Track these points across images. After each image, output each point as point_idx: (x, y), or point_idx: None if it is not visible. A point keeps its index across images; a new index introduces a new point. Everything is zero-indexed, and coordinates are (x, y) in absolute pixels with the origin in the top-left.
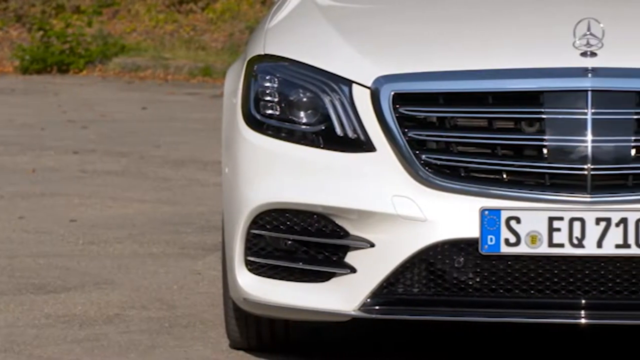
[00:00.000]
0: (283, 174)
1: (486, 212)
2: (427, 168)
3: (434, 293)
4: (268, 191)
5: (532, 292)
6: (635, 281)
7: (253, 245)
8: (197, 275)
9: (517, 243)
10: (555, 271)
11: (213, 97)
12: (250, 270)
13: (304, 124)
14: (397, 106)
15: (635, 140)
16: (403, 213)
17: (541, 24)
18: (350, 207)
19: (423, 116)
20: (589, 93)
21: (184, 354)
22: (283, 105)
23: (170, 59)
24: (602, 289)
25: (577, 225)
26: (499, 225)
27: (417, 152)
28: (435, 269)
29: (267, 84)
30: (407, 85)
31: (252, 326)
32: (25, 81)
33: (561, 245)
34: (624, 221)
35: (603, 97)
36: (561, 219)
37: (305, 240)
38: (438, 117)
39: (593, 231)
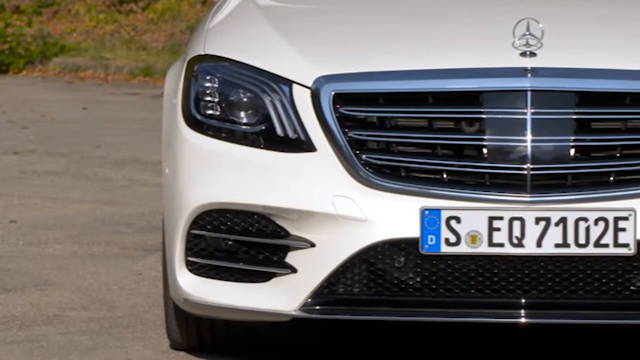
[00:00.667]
0: (223, 174)
1: (426, 212)
2: (367, 168)
3: (375, 293)
4: (208, 191)
5: (472, 291)
6: (575, 280)
7: (193, 246)
8: (137, 276)
9: (458, 243)
10: (495, 271)
11: (154, 98)
12: (190, 270)
13: (244, 124)
14: (338, 106)
15: (574, 140)
16: (343, 213)
17: (481, 24)
18: (290, 207)
19: (363, 116)
20: (529, 93)
21: (124, 355)
22: (223, 105)
23: (111, 59)
24: (541, 288)
25: (516, 224)
26: (439, 225)
27: (358, 152)
28: (375, 268)
29: (208, 84)
30: (348, 86)
31: (192, 327)
32: None
33: (501, 245)
34: (563, 221)
35: (542, 97)
36: (501, 218)
37: (246, 240)
38: (378, 117)
39: (533, 231)
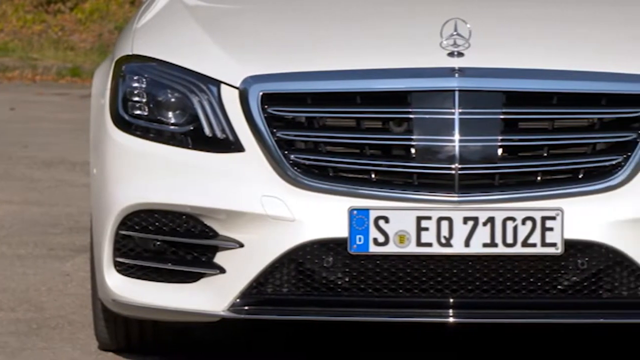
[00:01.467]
0: (151, 174)
1: (355, 212)
2: (295, 168)
3: (303, 293)
4: (136, 192)
5: (400, 291)
6: (502, 280)
7: (122, 247)
8: (65, 277)
9: (386, 242)
10: (424, 270)
11: (82, 98)
12: (118, 271)
13: (172, 124)
14: (266, 106)
15: (502, 140)
16: (272, 213)
17: (409, 24)
18: (218, 208)
19: (291, 116)
20: (456, 93)
21: (52, 356)
22: (151, 105)
23: (39, 60)
24: (469, 287)
25: (444, 224)
26: (368, 224)
27: (286, 152)
28: (304, 268)
29: (135, 85)
30: (276, 86)
31: (120, 327)
32: None
33: (429, 245)
34: (491, 220)
35: (470, 97)
36: (429, 218)
37: (174, 240)
38: (306, 117)
39: (461, 230)
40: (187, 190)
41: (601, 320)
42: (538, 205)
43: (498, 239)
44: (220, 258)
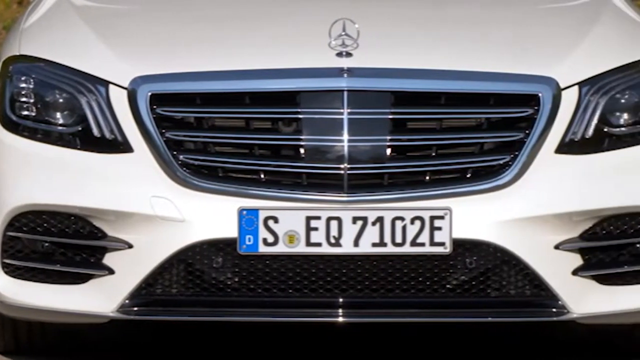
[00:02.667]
0: (39, 175)
1: (244, 212)
2: (185, 168)
3: (193, 293)
4: (24, 193)
5: (290, 291)
6: (392, 279)
7: (9, 248)
8: None
9: (275, 243)
10: (313, 270)
11: None
12: (6, 272)
13: (60, 125)
14: (155, 107)
15: (391, 140)
16: (161, 214)
17: (298, 24)
18: (107, 208)
19: (180, 117)
20: (345, 93)
21: None
22: (39, 106)
23: None
24: (359, 287)
25: (334, 224)
26: (257, 225)
27: (175, 152)
28: (193, 269)
29: (23, 85)
30: (164, 86)
31: (8, 329)
32: None
33: (318, 245)
34: (380, 220)
35: (359, 97)
36: (318, 218)
37: (63, 242)
38: (195, 118)
39: (350, 230)
40: (76, 191)
41: (489, 319)
42: (426, 205)
43: (387, 238)
44: (109, 259)
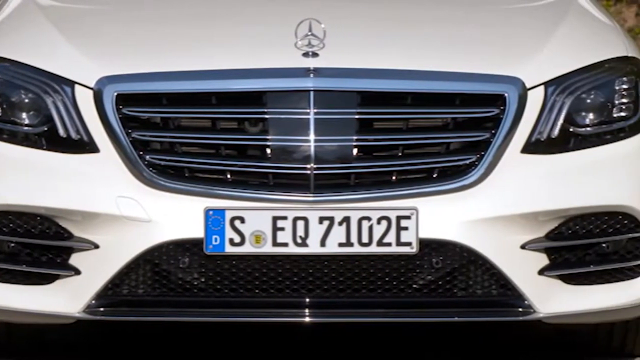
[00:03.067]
0: (5, 176)
1: (210, 212)
2: (151, 169)
3: (159, 294)
4: None
5: (257, 291)
6: (358, 279)
7: None
8: None
9: (242, 243)
10: (280, 270)
11: None
12: None
13: (26, 125)
14: (121, 107)
15: (357, 140)
16: (127, 214)
17: (264, 24)
18: (73, 209)
19: (146, 117)
20: (311, 93)
21: None
22: (5, 106)
23: None
24: (325, 287)
25: (300, 224)
26: (224, 225)
27: (141, 152)
28: (160, 269)
29: None
30: (130, 86)
31: None
32: None
33: (285, 245)
34: (346, 220)
35: (325, 97)
36: (285, 218)
37: (29, 242)
38: (162, 118)
39: (316, 230)
40: (42, 191)
41: (456, 319)
42: (393, 205)
43: (354, 238)
44: (75, 259)
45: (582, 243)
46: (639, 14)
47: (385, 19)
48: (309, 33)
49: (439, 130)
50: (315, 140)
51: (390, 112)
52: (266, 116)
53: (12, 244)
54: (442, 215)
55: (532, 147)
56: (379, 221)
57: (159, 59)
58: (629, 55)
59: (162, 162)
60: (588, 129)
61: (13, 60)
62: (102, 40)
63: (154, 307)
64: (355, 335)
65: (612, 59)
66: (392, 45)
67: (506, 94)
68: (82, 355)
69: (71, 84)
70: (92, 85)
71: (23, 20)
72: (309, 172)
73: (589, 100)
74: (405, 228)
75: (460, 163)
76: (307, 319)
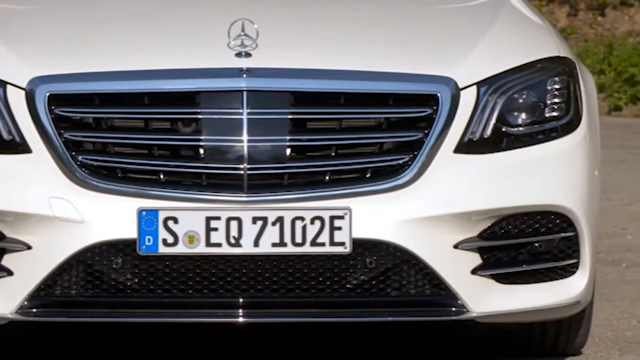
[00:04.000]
0: None
1: (144, 213)
2: (83, 169)
3: (92, 295)
4: None
5: (190, 291)
6: (292, 279)
7: None
8: None
9: (175, 243)
10: (213, 271)
11: None
12: None
13: None
14: (53, 107)
15: (290, 140)
16: (60, 215)
17: (197, 24)
18: (6, 209)
19: (79, 117)
20: (244, 93)
21: None
22: None
23: None
24: (259, 287)
25: (234, 224)
26: (157, 225)
27: (74, 153)
28: (93, 270)
29: None
30: (63, 86)
31: None
32: None
33: (219, 245)
34: (280, 220)
35: (258, 97)
36: (218, 218)
37: None
38: (94, 118)
39: (250, 230)
40: None
41: (389, 319)
42: (326, 205)
43: (287, 238)
44: (7, 260)
45: (515, 242)
46: (571, 15)
47: (319, 19)
48: (242, 33)
49: (372, 130)
50: (249, 141)
51: (323, 112)
52: (199, 116)
53: None
54: (376, 215)
55: (465, 147)
56: (312, 221)
57: (92, 59)
58: (561, 55)
59: (95, 163)
60: (520, 128)
61: None
62: (34, 40)
63: (87, 307)
64: (283, 336)
65: (544, 59)
66: (326, 45)
67: (439, 94)
68: (21, 354)
69: (3, 84)
70: (24, 85)
71: None
72: (242, 172)
73: (521, 100)
74: (339, 228)
75: (394, 163)
76: (241, 319)
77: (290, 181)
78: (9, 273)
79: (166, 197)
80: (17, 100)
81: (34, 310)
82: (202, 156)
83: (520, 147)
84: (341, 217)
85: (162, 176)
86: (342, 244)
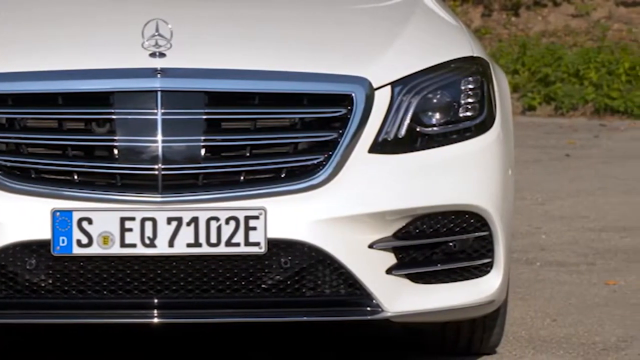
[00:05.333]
0: None
1: (57, 214)
2: None
3: (6, 296)
4: None
5: (105, 292)
6: (207, 280)
7: None
8: None
9: (89, 244)
10: (128, 271)
11: None
12: None
13: None
14: None
15: (205, 140)
16: None
17: (111, 24)
18: None
19: None
20: (159, 93)
21: None
22: None
23: None
24: (174, 288)
25: (148, 225)
26: (71, 226)
27: None
28: (7, 271)
29: None
30: None
31: None
32: None
33: (133, 246)
34: (194, 220)
35: (173, 98)
36: (133, 219)
37: None
38: (7, 119)
39: (164, 231)
40: None
41: (304, 319)
42: (241, 205)
43: (202, 238)
44: None
45: (429, 242)
46: (485, 15)
47: (233, 19)
48: (156, 33)
49: (286, 130)
50: (163, 141)
51: (238, 112)
52: (113, 117)
53: None
54: (291, 215)
55: (380, 147)
56: (227, 221)
57: (4, 60)
58: (475, 55)
59: (8, 164)
60: (435, 128)
61: None
62: None
63: (1, 309)
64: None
65: (458, 59)
66: (240, 45)
67: (353, 94)
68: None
69: None
70: None
71: None
72: (156, 172)
73: (435, 100)
74: (254, 228)
75: (308, 163)
76: (156, 320)
77: (205, 181)
78: None
79: (80, 198)
80: None
81: None
82: (117, 157)
83: (434, 147)
84: (256, 217)
85: (76, 177)
86: (257, 244)
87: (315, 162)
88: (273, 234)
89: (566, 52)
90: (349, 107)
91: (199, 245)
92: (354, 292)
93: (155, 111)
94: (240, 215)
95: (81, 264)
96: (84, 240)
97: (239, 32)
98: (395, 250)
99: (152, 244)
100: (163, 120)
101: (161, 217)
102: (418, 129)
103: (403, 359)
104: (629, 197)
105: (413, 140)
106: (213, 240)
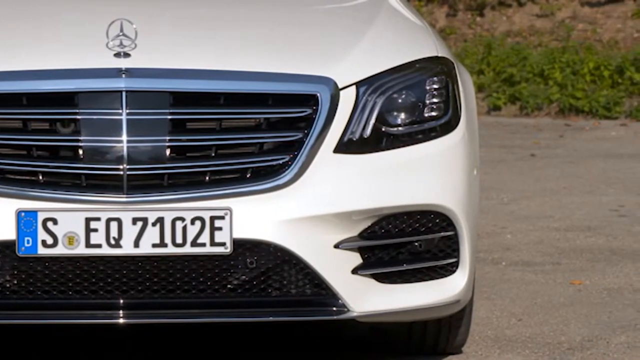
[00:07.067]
0: None
1: (22, 214)
2: None
3: None
4: None
5: (70, 293)
6: (173, 280)
7: None
8: None
9: (55, 244)
10: (94, 272)
11: None
12: None
13: None
14: None
15: (170, 140)
16: None
17: (76, 24)
18: None
19: None
20: (124, 93)
21: None
22: None
23: None
24: (140, 288)
25: (114, 225)
26: (36, 226)
27: None
28: None
29: None
30: None
31: None
32: None
33: (99, 246)
34: (160, 220)
35: (138, 98)
36: (98, 219)
37: None
38: None
39: (130, 231)
40: None
41: (270, 319)
42: (207, 205)
43: (167, 239)
44: None
45: (395, 242)
46: (450, 15)
47: (198, 19)
48: (121, 33)
49: (252, 130)
50: (128, 141)
51: (203, 112)
52: (78, 117)
53: None
54: (256, 215)
55: (345, 146)
56: (192, 221)
57: None
58: (440, 55)
59: None
60: (400, 128)
61: None
62: None
63: None
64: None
65: (423, 59)
66: (205, 45)
67: (318, 94)
68: None
69: None
70: None
71: None
72: (121, 172)
73: (400, 100)
74: (219, 228)
75: (274, 163)
76: (121, 321)
77: (171, 181)
78: None
79: (45, 198)
80: None
81: None
82: (82, 157)
83: (399, 146)
84: (221, 218)
85: (41, 177)
86: (222, 244)
87: (280, 162)
88: (239, 234)
89: (531, 52)
90: (314, 107)
91: (165, 245)
92: (320, 292)
93: (120, 111)
94: (206, 216)
95: (46, 264)
96: (49, 241)
97: (204, 32)
98: (361, 250)
99: (117, 245)
100: (128, 120)
101: (126, 217)
102: (383, 129)
103: (369, 359)
104: (594, 196)
105: (378, 140)
106: (179, 240)
